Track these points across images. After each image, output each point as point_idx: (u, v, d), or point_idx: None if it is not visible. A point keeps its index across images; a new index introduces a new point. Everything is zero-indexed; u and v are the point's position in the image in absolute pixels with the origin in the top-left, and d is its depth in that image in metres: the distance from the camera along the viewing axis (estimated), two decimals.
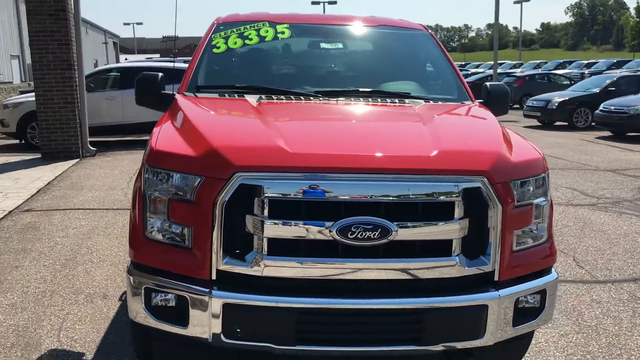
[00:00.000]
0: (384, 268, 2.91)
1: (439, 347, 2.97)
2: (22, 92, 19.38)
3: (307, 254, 2.89)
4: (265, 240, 2.86)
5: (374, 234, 2.82)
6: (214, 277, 2.93)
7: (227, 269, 2.93)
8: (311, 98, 4.01)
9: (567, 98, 20.19)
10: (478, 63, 66.34)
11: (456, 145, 3.21)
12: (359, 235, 2.82)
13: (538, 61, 58.40)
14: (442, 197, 2.91)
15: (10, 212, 7.91)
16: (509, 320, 3.07)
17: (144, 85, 4.42)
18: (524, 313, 3.18)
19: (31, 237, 6.75)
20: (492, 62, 29.84)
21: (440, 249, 2.94)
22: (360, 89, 4.19)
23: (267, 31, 4.65)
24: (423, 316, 2.92)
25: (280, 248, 2.88)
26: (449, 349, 3.01)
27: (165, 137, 3.33)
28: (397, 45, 4.98)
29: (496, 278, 3.05)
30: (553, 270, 3.34)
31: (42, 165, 11.75)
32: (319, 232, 2.84)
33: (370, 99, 4.05)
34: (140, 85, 4.43)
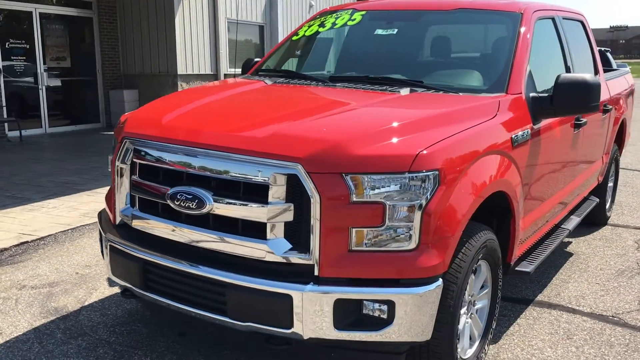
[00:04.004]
0: (200, 236, 3.11)
1: (249, 325, 2.99)
2: None
3: (157, 214, 3.29)
4: (136, 197, 3.38)
5: (192, 204, 3.06)
6: (117, 222, 3.58)
7: (123, 218, 3.53)
8: (312, 82, 4.12)
9: None
10: None
11: (296, 131, 3.06)
12: (181, 203, 3.10)
13: None
14: (253, 179, 2.93)
15: None
16: (326, 320, 2.87)
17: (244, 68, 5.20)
18: (361, 320, 2.91)
19: None
20: None
21: (255, 230, 2.96)
22: (371, 76, 4.09)
23: (343, 18, 4.81)
24: (225, 290, 3.00)
25: (144, 206, 3.36)
26: (260, 330, 3.00)
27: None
28: (463, 30, 4.50)
29: (316, 273, 2.89)
30: (432, 284, 2.89)
31: None
32: (160, 196, 3.22)
33: (368, 86, 3.93)
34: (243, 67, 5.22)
